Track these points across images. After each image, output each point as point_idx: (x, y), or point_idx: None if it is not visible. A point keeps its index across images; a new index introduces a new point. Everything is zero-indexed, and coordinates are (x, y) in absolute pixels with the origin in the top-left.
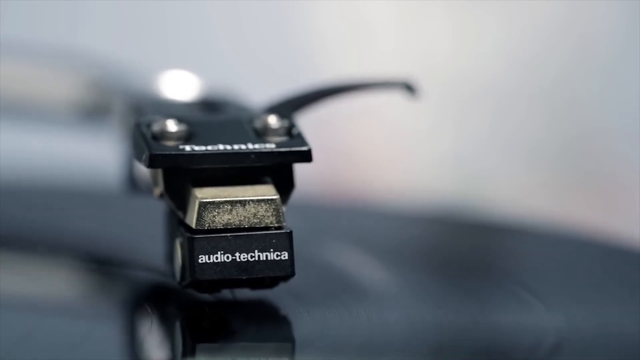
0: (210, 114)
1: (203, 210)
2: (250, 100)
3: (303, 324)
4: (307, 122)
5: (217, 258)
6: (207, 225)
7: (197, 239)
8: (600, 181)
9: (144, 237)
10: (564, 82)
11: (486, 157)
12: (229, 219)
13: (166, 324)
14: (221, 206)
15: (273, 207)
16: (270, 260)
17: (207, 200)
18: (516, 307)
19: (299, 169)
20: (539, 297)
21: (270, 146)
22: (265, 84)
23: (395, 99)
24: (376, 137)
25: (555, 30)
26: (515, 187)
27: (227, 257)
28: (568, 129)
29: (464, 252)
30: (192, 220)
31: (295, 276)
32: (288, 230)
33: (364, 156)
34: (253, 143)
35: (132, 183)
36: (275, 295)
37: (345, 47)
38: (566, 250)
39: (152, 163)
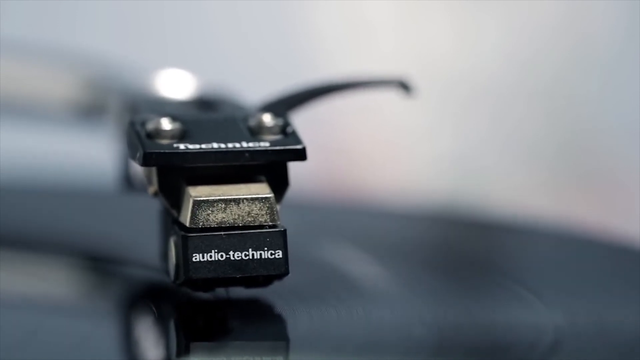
0: (205, 112)
1: (197, 209)
2: (249, 100)
3: (297, 322)
4: (304, 119)
5: (211, 257)
6: (201, 223)
7: (191, 237)
8: (599, 180)
9: (139, 236)
10: (563, 81)
11: (485, 155)
12: (223, 218)
13: (161, 322)
14: (215, 204)
15: (267, 205)
16: (265, 258)
17: (201, 198)
18: (514, 305)
19: (295, 167)
20: (538, 295)
21: (264, 144)
22: (264, 83)
23: (393, 97)
24: (374, 135)
25: (555, 30)
26: (514, 186)
27: (221, 256)
28: (567, 128)
29: (462, 250)
30: (186, 218)
31: (290, 275)
32: (282, 229)
33: (362, 154)
34: (247, 141)
35: (128, 181)
36: (270, 293)
37: (345, 46)
38: (565, 248)
39: (145, 161)
